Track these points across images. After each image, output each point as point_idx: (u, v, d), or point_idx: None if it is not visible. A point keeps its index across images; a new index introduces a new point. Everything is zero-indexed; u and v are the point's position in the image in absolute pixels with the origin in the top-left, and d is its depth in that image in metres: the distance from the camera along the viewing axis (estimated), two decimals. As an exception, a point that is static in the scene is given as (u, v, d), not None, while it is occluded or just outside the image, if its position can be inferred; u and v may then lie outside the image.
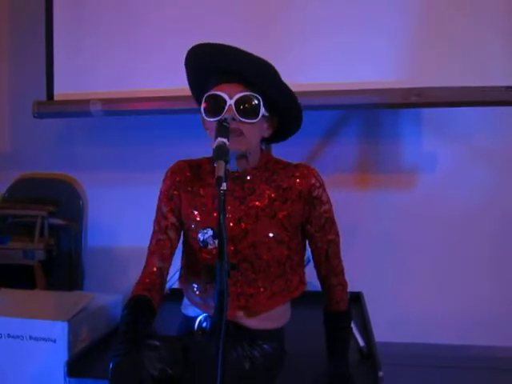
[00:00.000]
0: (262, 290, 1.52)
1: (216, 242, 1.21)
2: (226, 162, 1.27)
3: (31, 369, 1.89)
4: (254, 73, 1.44)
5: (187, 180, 1.57)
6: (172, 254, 1.56)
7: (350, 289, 1.65)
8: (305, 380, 1.65)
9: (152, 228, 1.59)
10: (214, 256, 1.22)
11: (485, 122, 2.65)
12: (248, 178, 1.53)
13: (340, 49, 2.35)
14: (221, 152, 1.29)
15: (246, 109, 1.43)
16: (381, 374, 1.58)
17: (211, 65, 1.47)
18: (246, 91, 1.44)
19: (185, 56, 1.51)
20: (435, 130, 2.72)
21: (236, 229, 1.49)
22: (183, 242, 1.62)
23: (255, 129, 1.48)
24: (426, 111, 2.68)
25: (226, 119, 1.41)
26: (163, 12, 2.54)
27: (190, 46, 1.49)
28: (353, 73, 2.33)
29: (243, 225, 1.50)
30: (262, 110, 1.45)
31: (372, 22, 2.34)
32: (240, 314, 1.52)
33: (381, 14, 2.34)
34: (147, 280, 1.50)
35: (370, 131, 2.79)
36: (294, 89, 1.50)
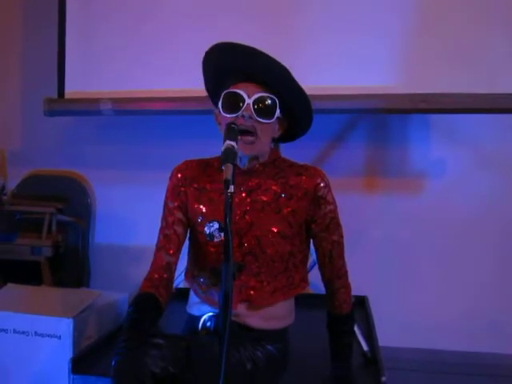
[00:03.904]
0: (265, 284, 1.53)
1: (222, 234, 1.23)
2: (234, 165, 1.29)
3: (36, 365, 1.91)
4: (273, 75, 1.48)
5: (193, 177, 1.59)
6: (179, 248, 1.58)
7: (355, 292, 1.66)
8: (307, 382, 1.65)
9: (159, 225, 1.61)
10: (220, 249, 1.24)
11: (493, 128, 2.64)
12: (255, 172, 1.56)
13: (349, 54, 2.35)
14: (229, 155, 1.31)
15: (262, 109, 1.47)
16: (384, 379, 1.58)
17: (232, 64, 1.50)
18: (264, 92, 1.47)
19: (206, 52, 1.54)
20: (443, 136, 2.71)
21: (241, 222, 1.51)
22: (189, 238, 1.64)
23: (269, 129, 1.51)
24: (434, 117, 2.68)
25: (242, 115, 1.44)
26: (174, 12, 2.55)
27: (212, 44, 1.52)
28: (362, 77, 2.33)
29: (248, 218, 1.52)
30: (278, 112, 1.49)
31: (382, 28, 2.34)
32: (242, 307, 1.53)
33: (390, 20, 2.34)
34: (156, 275, 1.52)
35: (378, 136, 2.79)
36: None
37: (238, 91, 1.47)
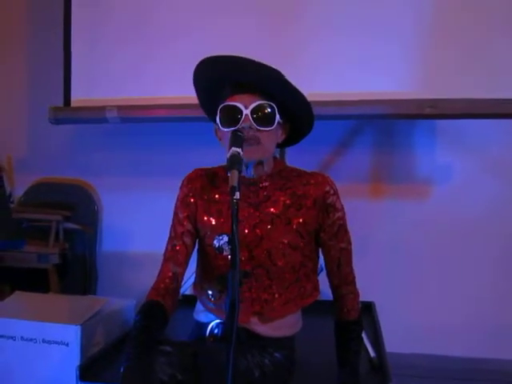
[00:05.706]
0: (276, 296, 1.53)
1: None
2: (240, 172, 1.29)
3: (43, 372, 1.91)
4: (267, 82, 1.46)
5: (203, 188, 1.59)
6: (187, 260, 1.58)
7: (361, 298, 1.65)
8: (315, 389, 1.65)
9: (168, 234, 1.61)
10: (229, 262, 1.24)
11: (499, 133, 2.63)
12: (263, 184, 1.55)
13: (355, 59, 2.35)
14: (234, 161, 1.31)
15: (261, 117, 1.45)
16: (391, 385, 1.58)
17: (224, 77, 1.49)
18: (260, 100, 1.46)
19: (193, 71, 1.53)
20: (449, 142, 2.71)
21: (251, 235, 1.51)
22: (198, 249, 1.63)
23: (271, 136, 1.50)
24: (441, 122, 2.68)
25: (242, 127, 1.43)
26: (180, 18, 2.56)
27: (199, 61, 1.50)
28: (368, 83, 2.33)
29: (258, 231, 1.51)
30: (277, 117, 1.47)
31: (387, 33, 2.34)
32: (254, 319, 1.53)
33: (396, 25, 2.34)
34: (162, 285, 1.52)
35: (384, 141, 2.79)
36: (308, 98, 1.51)
37: (234, 104, 1.45)
